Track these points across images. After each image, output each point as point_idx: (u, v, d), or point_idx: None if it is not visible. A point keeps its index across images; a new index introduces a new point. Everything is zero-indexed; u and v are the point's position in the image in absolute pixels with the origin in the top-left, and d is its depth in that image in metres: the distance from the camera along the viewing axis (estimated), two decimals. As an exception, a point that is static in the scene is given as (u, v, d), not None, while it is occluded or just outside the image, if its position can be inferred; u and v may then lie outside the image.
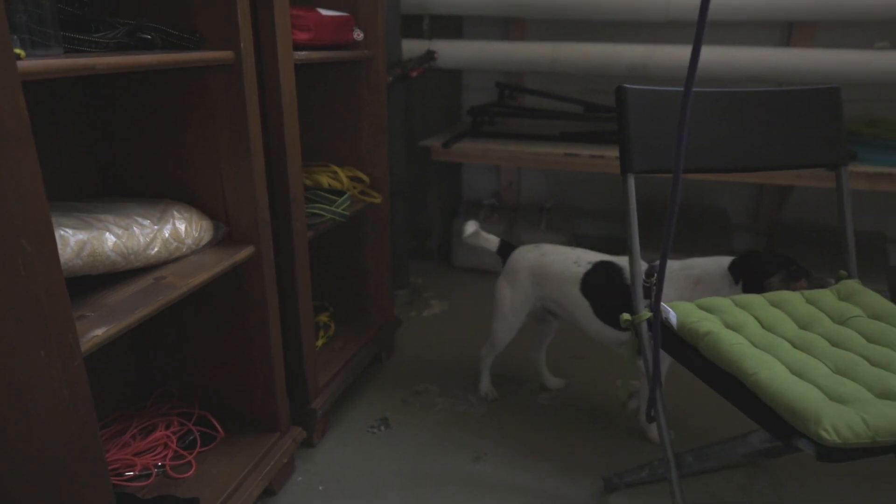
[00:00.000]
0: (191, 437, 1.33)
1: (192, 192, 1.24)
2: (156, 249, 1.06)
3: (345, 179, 1.68)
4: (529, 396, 1.79)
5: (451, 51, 2.35)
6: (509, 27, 2.67)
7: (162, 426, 1.33)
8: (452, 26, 2.68)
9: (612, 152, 2.17)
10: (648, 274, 1.33)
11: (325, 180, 1.65)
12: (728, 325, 1.08)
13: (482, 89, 2.80)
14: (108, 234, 0.97)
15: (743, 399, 0.93)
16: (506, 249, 1.70)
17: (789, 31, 2.38)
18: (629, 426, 1.65)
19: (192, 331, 1.38)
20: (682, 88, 1.19)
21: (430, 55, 2.24)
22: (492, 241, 1.72)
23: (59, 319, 0.79)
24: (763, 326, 1.09)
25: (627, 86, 1.16)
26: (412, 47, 2.27)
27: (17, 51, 0.73)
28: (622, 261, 1.55)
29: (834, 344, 1.03)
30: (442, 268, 2.72)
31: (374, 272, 1.91)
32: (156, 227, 1.08)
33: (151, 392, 1.46)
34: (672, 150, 1.18)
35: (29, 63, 0.74)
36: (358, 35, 1.64)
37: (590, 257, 1.58)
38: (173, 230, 1.11)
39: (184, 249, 1.14)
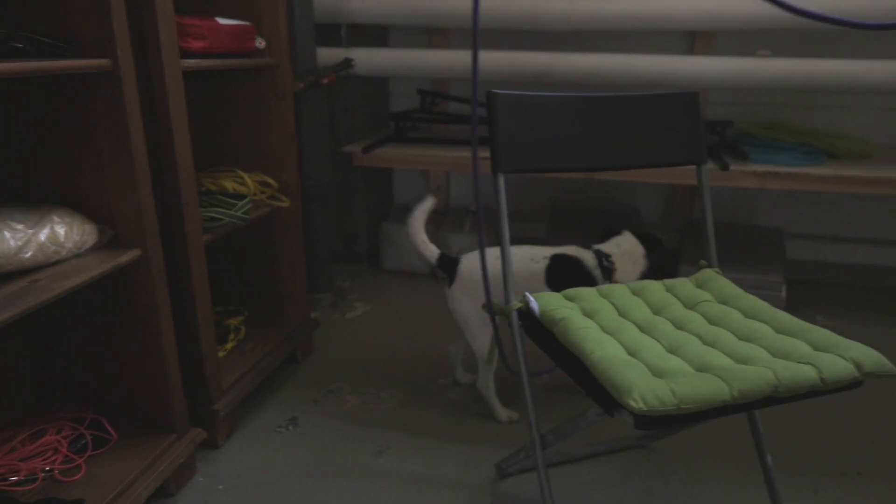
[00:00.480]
0: (83, 441, 1.34)
1: (77, 198, 1.26)
2: (30, 253, 1.08)
3: (251, 184, 1.71)
4: (441, 392, 1.84)
5: (371, 59, 2.41)
6: (432, 36, 2.74)
7: (52, 430, 1.34)
8: (378, 35, 2.74)
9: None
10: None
11: (230, 185, 1.68)
12: (585, 312, 1.17)
13: (409, 95, 2.86)
14: (-27, 238, 0.99)
15: (583, 377, 1.01)
16: (447, 262, 1.66)
17: (692, 40, 2.50)
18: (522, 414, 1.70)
19: (85, 335, 1.39)
20: (550, 93, 1.28)
21: (347, 63, 2.29)
22: (431, 250, 1.67)
23: None
24: (619, 313, 1.18)
25: (497, 91, 1.23)
26: (331, 55, 2.32)
27: None
28: (574, 251, 1.68)
29: (678, 326, 1.12)
30: (370, 271, 2.76)
31: (289, 275, 1.95)
32: (31, 230, 1.10)
33: (46, 396, 1.47)
34: (541, 151, 1.26)
35: None
36: (260, 43, 1.68)
37: (542, 252, 1.66)
38: (51, 234, 1.13)
39: (63, 253, 1.16)
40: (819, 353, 0.98)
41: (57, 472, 1.27)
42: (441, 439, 1.63)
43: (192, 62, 1.39)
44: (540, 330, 1.15)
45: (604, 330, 1.09)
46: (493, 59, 2.29)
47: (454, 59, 2.38)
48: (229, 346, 1.77)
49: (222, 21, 1.56)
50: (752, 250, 2.40)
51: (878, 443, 1.61)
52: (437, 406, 1.77)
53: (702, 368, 0.95)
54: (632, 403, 0.86)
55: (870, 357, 0.96)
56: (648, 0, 2.17)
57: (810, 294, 2.55)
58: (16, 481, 1.23)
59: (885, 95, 2.27)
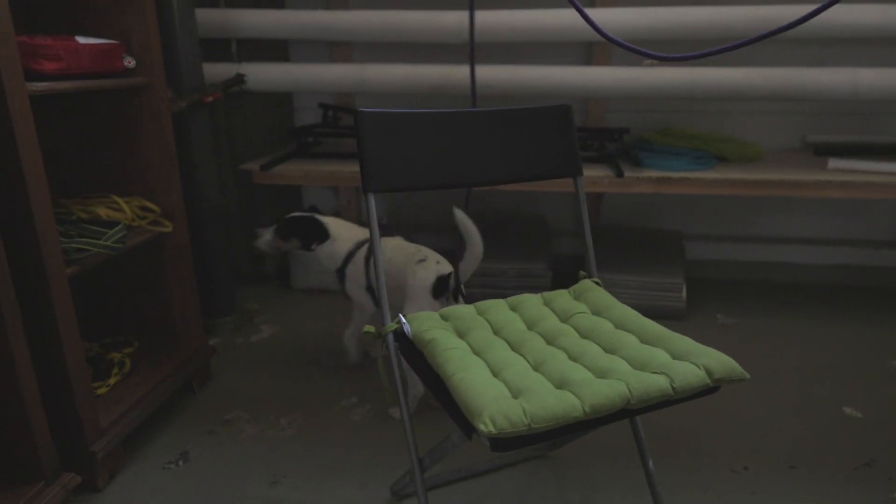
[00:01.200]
0: (-63, 496, 1.24)
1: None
2: None
3: (127, 210, 1.63)
4: (343, 413, 1.80)
5: (265, 74, 2.35)
6: (334, 50, 2.71)
7: None
8: (280, 49, 2.69)
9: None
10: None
11: (103, 212, 1.60)
12: (458, 332, 1.15)
13: (315, 110, 2.81)
14: None
15: (446, 399, 0.98)
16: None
17: (590, 52, 2.56)
18: (418, 433, 1.69)
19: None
20: (419, 110, 1.26)
21: (239, 79, 2.22)
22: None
23: None
24: (493, 330, 1.17)
25: (363, 109, 1.21)
26: (220, 70, 2.25)
27: None
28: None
29: (548, 341, 1.11)
30: (280, 291, 2.69)
31: (179, 301, 1.87)
32: None
33: None
34: (412, 168, 1.24)
35: None
36: (129, 62, 1.61)
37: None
38: None
39: None
40: (675, 361, 0.99)
41: None
42: (340, 463, 1.59)
43: (41, 85, 1.31)
44: (412, 351, 1.13)
45: (473, 350, 1.07)
46: (388, 73, 2.27)
47: (348, 72, 2.35)
48: (112, 380, 1.68)
49: (82, 40, 1.48)
50: (653, 253, 2.46)
51: (764, 438, 1.67)
52: (337, 429, 1.73)
53: (560, 385, 0.95)
54: (482, 427, 0.84)
55: (722, 363, 0.97)
56: (546, 13, 2.20)
57: (710, 293, 2.63)
58: None
59: (766, 101, 2.37)
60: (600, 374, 0.97)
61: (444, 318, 1.19)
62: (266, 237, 1.93)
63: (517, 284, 2.38)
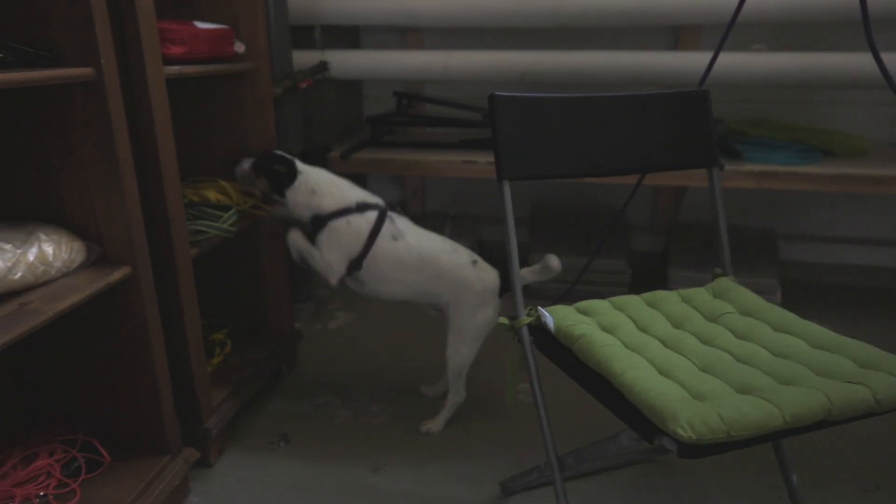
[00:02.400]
0: (75, 465, 1.28)
1: (63, 214, 1.20)
2: (19, 274, 1.02)
3: (233, 194, 1.66)
4: (432, 405, 1.81)
5: (345, 61, 2.37)
6: (406, 37, 2.71)
7: (44, 454, 1.28)
8: (350, 36, 2.70)
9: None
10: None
11: (213, 195, 1.63)
12: (603, 327, 1.12)
13: (384, 98, 2.82)
14: (-41, 262, 0.93)
15: (613, 400, 0.95)
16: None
17: (676, 36, 2.48)
18: (523, 429, 1.69)
19: (74, 353, 1.33)
20: (553, 95, 1.25)
21: (323, 66, 2.24)
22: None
23: None
24: (638, 327, 1.14)
25: (499, 93, 1.21)
26: (305, 58, 2.27)
27: None
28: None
29: (704, 342, 1.08)
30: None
31: (272, 286, 1.90)
32: (19, 250, 1.04)
33: (36, 418, 1.40)
34: (548, 156, 1.24)
35: None
36: (239, 48, 1.63)
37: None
38: (39, 253, 1.07)
39: (53, 273, 1.10)
40: (866, 370, 0.93)
41: (52, 497, 1.22)
42: (438, 455, 1.59)
43: (174, 69, 1.34)
44: (556, 347, 1.11)
45: (627, 347, 1.05)
46: (474, 60, 2.27)
47: (426, 59, 2.36)
48: (216, 360, 1.72)
49: (201, 25, 1.50)
50: (744, 252, 2.31)
51: (893, 456, 1.57)
52: (428, 418, 1.72)
53: (743, 390, 0.91)
54: (680, 432, 0.80)
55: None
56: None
57: (806, 297, 2.49)
58: (9, 510, 1.17)
59: (878, 90, 2.14)
60: (783, 380, 0.94)
61: (583, 312, 1.18)
62: (244, 166, 1.68)
63: (597, 281, 2.35)
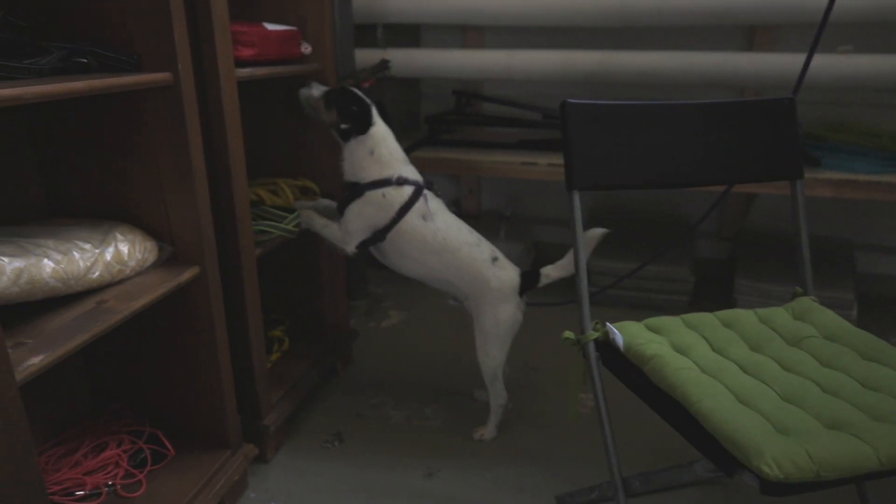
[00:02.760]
0: (141, 456, 1.32)
1: (136, 213, 1.23)
2: (97, 273, 1.06)
3: (289, 194, 1.67)
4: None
5: (406, 59, 2.37)
6: (467, 35, 2.70)
7: (113, 444, 1.33)
8: (410, 34, 2.70)
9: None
10: None
11: (266, 195, 1.64)
12: (676, 348, 1.08)
13: (441, 97, 2.82)
14: (46, 260, 0.96)
15: (688, 427, 0.92)
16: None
17: (752, 36, 2.37)
18: (581, 443, 1.65)
19: (142, 348, 1.37)
20: (628, 102, 1.22)
21: (385, 65, 2.25)
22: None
23: (-11, 353, 0.79)
24: (713, 348, 1.10)
25: (571, 101, 1.18)
26: (366, 56, 2.28)
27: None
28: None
29: (785, 368, 1.03)
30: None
31: (330, 284, 1.92)
32: (97, 250, 1.07)
33: (105, 408, 1.45)
34: (620, 166, 1.20)
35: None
36: (306, 48, 1.64)
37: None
38: (116, 253, 1.10)
39: (127, 272, 1.13)
40: None
41: (119, 487, 1.26)
42: (493, 463, 1.58)
43: (245, 72, 1.36)
44: (625, 365, 1.07)
45: (703, 371, 1.00)
46: (538, 60, 2.24)
47: (488, 58, 2.34)
48: (274, 357, 1.75)
49: (270, 27, 1.52)
50: (819, 264, 2.22)
51: None
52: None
53: (833, 425, 0.86)
54: (765, 469, 0.77)
55: None
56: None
57: (884, 313, 2.36)
58: (82, 496, 1.22)
59: None
60: (875, 416, 0.88)
61: (653, 329, 1.14)
62: (314, 92, 1.60)
63: (658, 289, 2.30)
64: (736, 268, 2.30)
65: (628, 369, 1.06)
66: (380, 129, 1.58)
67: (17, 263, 0.91)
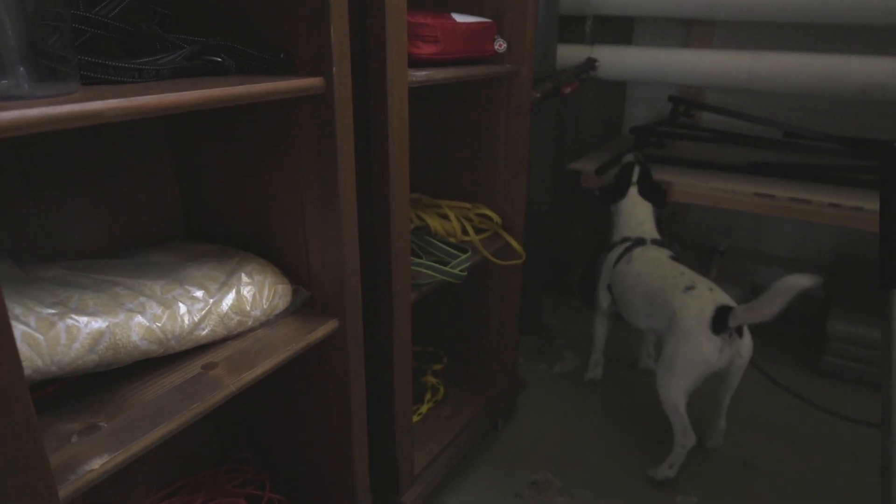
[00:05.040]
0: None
1: (275, 246, 1.01)
2: (207, 330, 0.84)
3: (457, 225, 1.37)
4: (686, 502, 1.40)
5: (615, 59, 1.98)
6: (692, 31, 2.23)
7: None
8: (621, 29, 2.29)
9: (823, 196, 1.69)
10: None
11: (435, 223, 1.36)
12: None
13: (650, 102, 2.38)
14: (139, 317, 0.75)
15: None
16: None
17: None
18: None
19: (270, 400, 1.16)
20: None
21: (591, 64, 1.88)
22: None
23: (24, 461, 0.57)
24: None
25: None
26: (568, 54, 1.92)
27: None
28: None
29: None
30: (581, 308, 2.35)
31: (498, 323, 1.61)
32: (212, 299, 0.85)
33: (229, 456, 1.27)
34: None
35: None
36: (500, 45, 1.33)
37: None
38: (236, 301, 0.88)
39: (249, 323, 0.90)
40: None
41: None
42: None
43: (421, 75, 1.08)
44: None
45: None
46: (793, 65, 1.74)
47: (723, 61, 1.87)
48: (424, 408, 1.48)
49: (459, 18, 1.23)
50: None
51: None
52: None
53: None
54: None
55: None
56: None
57: None
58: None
59: None
60: None
61: None
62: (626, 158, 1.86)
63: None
64: None
65: None
66: (632, 201, 1.78)
67: (98, 324, 0.70)
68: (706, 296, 1.42)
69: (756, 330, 1.80)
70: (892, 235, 0.73)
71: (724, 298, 1.42)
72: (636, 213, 1.75)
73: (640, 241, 1.68)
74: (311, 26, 0.83)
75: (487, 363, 1.67)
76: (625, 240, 1.71)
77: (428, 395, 1.51)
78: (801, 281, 1.26)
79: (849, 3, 1.66)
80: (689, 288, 1.45)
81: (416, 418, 1.45)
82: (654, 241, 1.69)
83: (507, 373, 1.65)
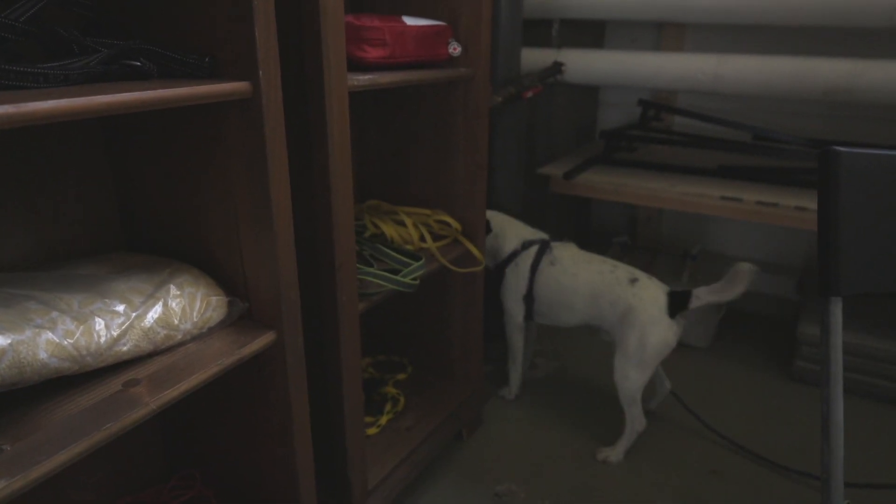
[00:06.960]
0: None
1: (210, 257, 0.98)
2: (129, 345, 0.80)
3: (413, 232, 1.34)
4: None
5: (585, 63, 1.96)
6: (662, 34, 2.21)
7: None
8: (591, 32, 2.27)
9: (790, 199, 1.68)
10: None
11: (390, 230, 1.34)
12: None
13: (623, 106, 2.36)
14: (48, 334, 0.72)
15: None
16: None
17: None
18: None
19: (215, 414, 1.13)
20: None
21: (557, 68, 1.86)
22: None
23: None
24: None
25: (840, 148, 0.72)
26: (536, 58, 1.90)
27: None
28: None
29: None
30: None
31: (461, 331, 1.59)
32: (135, 312, 0.81)
33: (175, 472, 1.24)
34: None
35: None
36: (454, 49, 1.31)
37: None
38: (163, 315, 0.84)
39: (179, 337, 0.87)
40: None
41: None
42: None
43: (364, 79, 1.05)
44: None
45: None
46: (758, 68, 1.72)
47: (690, 64, 1.85)
48: (384, 419, 1.45)
49: (410, 21, 1.20)
50: None
51: None
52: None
53: None
54: None
55: None
56: None
57: None
58: None
59: None
60: None
61: None
62: None
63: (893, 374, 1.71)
64: None
65: None
66: (496, 222, 1.68)
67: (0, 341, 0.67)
68: (653, 285, 1.50)
69: (728, 334, 1.84)
70: (831, 242, 0.71)
71: (664, 285, 1.51)
72: (514, 223, 1.70)
73: (545, 242, 1.64)
74: (236, 28, 0.80)
75: (451, 372, 1.64)
76: (526, 244, 1.64)
77: (388, 406, 1.48)
78: (745, 267, 1.42)
79: (822, 6, 1.64)
80: (633, 280, 1.51)
81: (374, 430, 1.42)
82: (552, 241, 1.67)
83: (473, 381, 1.63)
